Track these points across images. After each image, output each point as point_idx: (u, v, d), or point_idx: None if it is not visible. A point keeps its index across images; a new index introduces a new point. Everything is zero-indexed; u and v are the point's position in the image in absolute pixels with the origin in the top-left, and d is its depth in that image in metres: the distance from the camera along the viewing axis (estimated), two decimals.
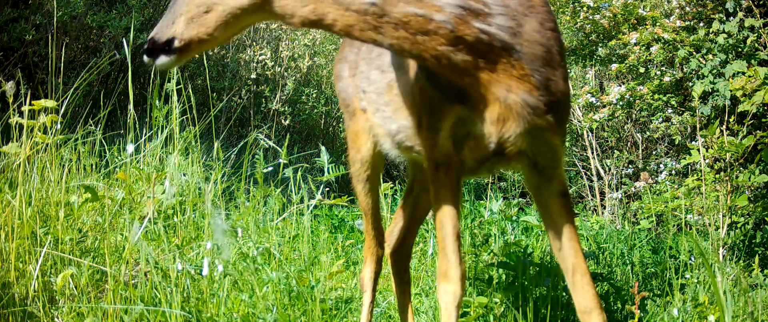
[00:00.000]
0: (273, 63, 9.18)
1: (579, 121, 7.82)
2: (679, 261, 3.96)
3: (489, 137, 1.99)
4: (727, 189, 4.46)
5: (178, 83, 3.97)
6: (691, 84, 5.55)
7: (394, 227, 2.84)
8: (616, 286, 3.37)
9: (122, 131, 4.06)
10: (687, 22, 5.72)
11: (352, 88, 2.56)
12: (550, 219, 2.19)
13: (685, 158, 4.99)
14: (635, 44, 5.81)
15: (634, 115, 8.00)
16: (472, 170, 2.13)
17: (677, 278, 3.56)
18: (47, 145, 3.35)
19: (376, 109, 2.44)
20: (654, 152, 8.34)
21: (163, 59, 1.90)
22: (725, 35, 5.20)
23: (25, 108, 3.24)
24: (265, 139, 4.98)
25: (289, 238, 3.94)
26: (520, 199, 5.36)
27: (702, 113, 5.28)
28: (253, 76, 8.98)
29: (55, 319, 2.57)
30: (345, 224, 4.55)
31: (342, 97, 2.65)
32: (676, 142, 7.23)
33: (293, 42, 9.68)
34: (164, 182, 3.51)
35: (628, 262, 4.03)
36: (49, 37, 5.79)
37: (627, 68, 6.30)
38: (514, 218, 4.37)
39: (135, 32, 6.87)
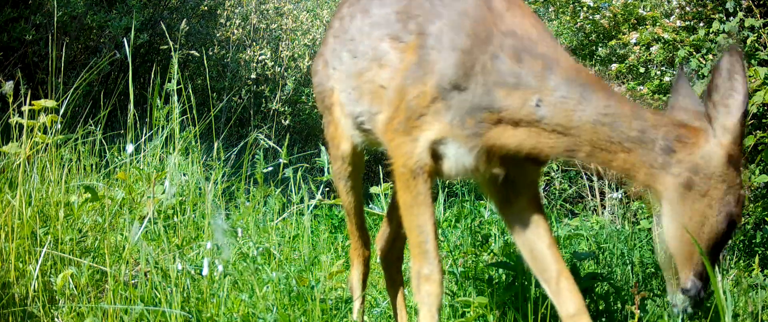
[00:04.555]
0: (273, 63, 9.17)
1: None
2: None
3: (475, 167, 2.05)
4: None
5: (178, 83, 3.97)
6: (691, 84, 5.54)
7: (382, 233, 2.83)
8: (616, 286, 3.37)
9: (122, 131, 4.06)
10: (687, 22, 5.72)
11: (326, 78, 2.54)
12: (527, 228, 2.19)
13: None
14: (635, 44, 5.81)
15: None
16: (446, 178, 2.16)
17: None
18: (47, 145, 3.35)
19: (343, 89, 2.43)
20: None
21: None
22: (725, 35, 5.20)
23: (25, 108, 3.24)
24: (265, 139, 4.98)
25: (289, 238, 3.93)
26: None
27: None
28: (253, 76, 8.98)
29: (55, 319, 2.57)
30: (345, 224, 4.55)
31: (318, 92, 2.62)
32: None
33: (293, 42, 9.68)
34: (164, 182, 3.51)
35: (628, 262, 4.02)
36: (49, 37, 5.79)
37: (627, 68, 6.30)
38: None
39: (135, 32, 6.87)
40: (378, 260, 2.84)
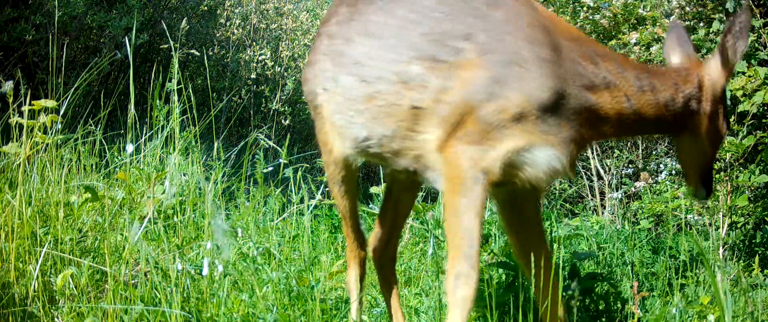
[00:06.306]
0: (273, 63, 9.17)
1: None
2: (679, 261, 3.96)
3: (564, 169, 2.15)
4: (727, 189, 4.46)
5: (178, 83, 3.97)
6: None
7: (375, 234, 2.80)
8: (616, 286, 3.38)
9: (122, 131, 4.06)
10: (687, 22, 5.71)
11: (318, 89, 2.51)
12: (525, 222, 2.35)
13: None
14: (635, 44, 5.81)
15: None
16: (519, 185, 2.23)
17: (677, 278, 3.56)
18: (47, 145, 3.35)
19: (340, 111, 2.39)
20: (654, 152, 8.34)
21: None
22: None
23: (25, 108, 3.24)
24: (265, 139, 4.98)
25: (289, 238, 3.93)
26: None
27: None
28: (253, 76, 8.98)
29: (55, 319, 2.57)
30: None
31: (309, 100, 2.59)
32: None
33: (293, 42, 9.68)
34: (164, 182, 3.50)
35: (628, 262, 4.03)
36: (49, 37, 5.79)
37: None
38: None
39: (135, 32, 6.87)
40: (372, 260, 2.84)
